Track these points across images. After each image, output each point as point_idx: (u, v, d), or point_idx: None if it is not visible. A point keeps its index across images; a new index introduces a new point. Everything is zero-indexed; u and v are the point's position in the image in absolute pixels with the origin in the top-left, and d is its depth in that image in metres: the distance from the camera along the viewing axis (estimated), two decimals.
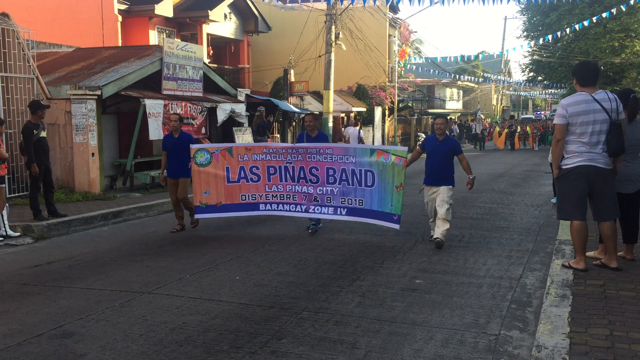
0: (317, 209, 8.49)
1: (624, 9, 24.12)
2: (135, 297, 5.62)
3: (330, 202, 8.41)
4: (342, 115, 27.54)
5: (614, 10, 23.88)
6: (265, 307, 5.26)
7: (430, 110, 45.17)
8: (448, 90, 53.67)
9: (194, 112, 15.02)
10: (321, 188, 8.43)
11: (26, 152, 9.23)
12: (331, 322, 4.87)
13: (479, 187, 14.43)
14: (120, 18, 19.54)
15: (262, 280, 6.15)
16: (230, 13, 23.81)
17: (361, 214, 8.26)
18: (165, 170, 9.40)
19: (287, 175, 8.58)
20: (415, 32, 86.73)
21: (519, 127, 35.49)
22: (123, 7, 19.52)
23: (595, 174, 5.73)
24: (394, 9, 31.11)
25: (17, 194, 11.10)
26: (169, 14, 20.54)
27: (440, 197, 7.72)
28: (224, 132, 16.67)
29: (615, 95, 5.87)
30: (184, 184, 9.12)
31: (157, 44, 19.17)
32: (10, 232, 8.56)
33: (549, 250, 7.46)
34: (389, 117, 32.05)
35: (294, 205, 8.62)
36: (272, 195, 8.73)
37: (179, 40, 19.80)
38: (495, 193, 13.49)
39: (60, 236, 8.98)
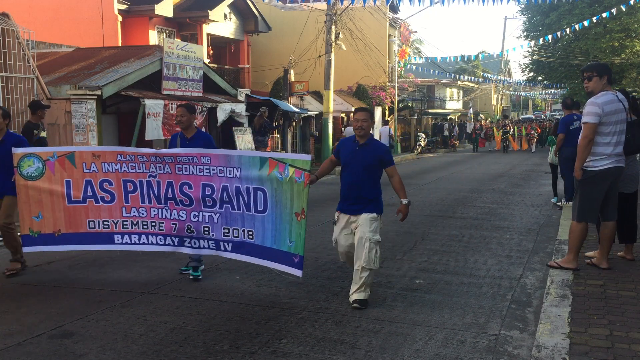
0: (194, 243, 6.07)
1: (624, 9, 24.11)
2: (135, 297, 5.62)
3: (209, 234, 5.99)
4: (342, 115, 27.55)
5: (614, 10, 23.87)
6: (265, 307, 5.27)
7: (430, 110, 45.11)
8: (448, 90, 53.65)
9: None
10: (196, 213, 6.01)
11: None
12: (331, 322, 4.87)
13: (479, 187, 14.43)
14: (120, 18, 19.55)
15: (262, 280, 6.16)
16: (230, 13, 23.82)
17: (252, 252, 5.82)
18: None
19: (151, 193, 6.16)
20: (415, 32, 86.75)
21: (515, 128, 35.14)
22: (123, 7, 19.53)
23: (619, 174, 5.76)
24: (394, 9, 31.12)
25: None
26: (169, 14, 20.56)
27: (360, 233, 5.23)
28: (224, 132, 16.69)
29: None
30: (7, 204, 6.60)
31: (157, 44, 19.18)
32: None
33: (549, 250, 7.46)
34: (389, 117, 32.06)
35: (162, 237, 6.18)
36: (132, 223, 6.23)
37: (179, 40, 19.80)
38: (495, 193, 13.48)
39: None
